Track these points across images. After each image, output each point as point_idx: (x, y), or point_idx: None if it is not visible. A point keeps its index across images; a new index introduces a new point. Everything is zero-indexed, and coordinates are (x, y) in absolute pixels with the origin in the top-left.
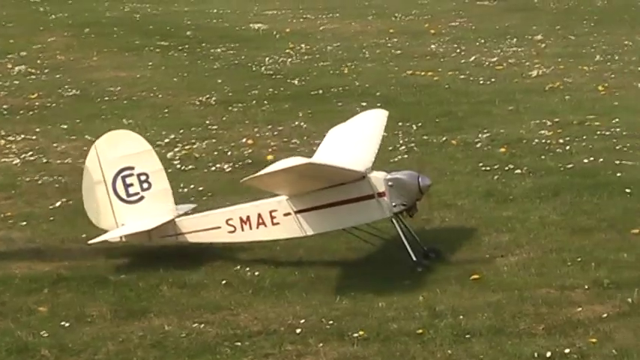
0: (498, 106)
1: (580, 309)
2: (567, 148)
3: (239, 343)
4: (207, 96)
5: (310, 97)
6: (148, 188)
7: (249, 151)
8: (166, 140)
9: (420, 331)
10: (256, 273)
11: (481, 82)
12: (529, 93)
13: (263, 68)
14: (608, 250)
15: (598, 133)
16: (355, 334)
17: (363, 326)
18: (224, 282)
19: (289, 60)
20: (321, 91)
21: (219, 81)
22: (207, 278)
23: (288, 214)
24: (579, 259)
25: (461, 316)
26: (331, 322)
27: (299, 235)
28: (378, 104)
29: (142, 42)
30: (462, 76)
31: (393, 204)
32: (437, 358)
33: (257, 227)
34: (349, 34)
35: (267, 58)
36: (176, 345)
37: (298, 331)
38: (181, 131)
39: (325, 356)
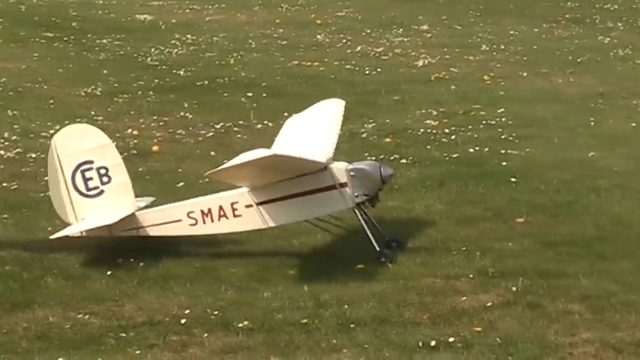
0: (384, 96)
1: (465, 298)
2: (453, 137)
3: (124, 334)
4: (93, 87)
5: (196, 88)
6: (108, 182)
7: (135, 141)
8: (51, 131)
9: (305, 320)
10: (141, 264)
11: (367, 72)
12: (415, 83)
13: (149, 59)
14: (493, 239)
15: (483, 122)
16: (240, 325)
17: (248, 316)
18: (109, 273)
19: (175, 51)
20: (206, 82)
21: (105, 72)
22: (92, 269)
23: (250, 205)
24: (464, 249)
25: (346, 306)
26: (216, 312)
27: (261, 226)
28: (264, 94)
29: (28, 33)
30: (348, 67)
31: (356, 194)
32: (321, 347)
33: (219, 219)
34: (235, 24)
35: (152, 49)
36: (60, 336)
37: (183, 321)
38: (67, 122)
39: (210, 346)
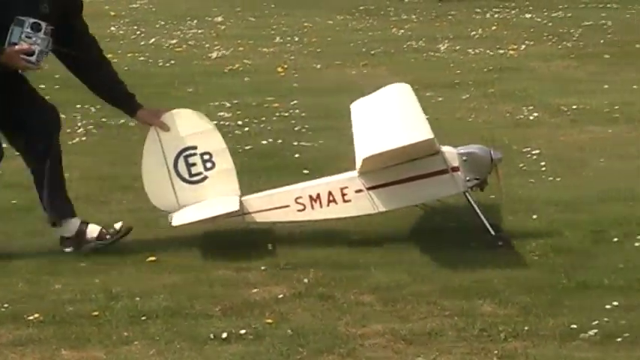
0: (178, 88)
1: (256, 290)
2: (246, 129)
3: None
4: None
5: None
6: (212, 168)
7: None
8: None
9: (96, 313)
10: None
11: (160, 64)
12: (209, 75)
13: None
14: (287, 231)
15: (277, 114)
16: (30, 317)
17: (39, 309)
18: None
19: None
20: None
21: None
22: None
23: (360, 190)
24: (256, 241)
25: (137, 298)
26: (6, 305)
27: (370, 212)
28: (57, 86)
29: None
30: (142, 59)
31: (467, 178)
32: (112, 340)
33: (327, 205)
34: None
35: None
36: None
37: None
38: None
39: (0, 340)
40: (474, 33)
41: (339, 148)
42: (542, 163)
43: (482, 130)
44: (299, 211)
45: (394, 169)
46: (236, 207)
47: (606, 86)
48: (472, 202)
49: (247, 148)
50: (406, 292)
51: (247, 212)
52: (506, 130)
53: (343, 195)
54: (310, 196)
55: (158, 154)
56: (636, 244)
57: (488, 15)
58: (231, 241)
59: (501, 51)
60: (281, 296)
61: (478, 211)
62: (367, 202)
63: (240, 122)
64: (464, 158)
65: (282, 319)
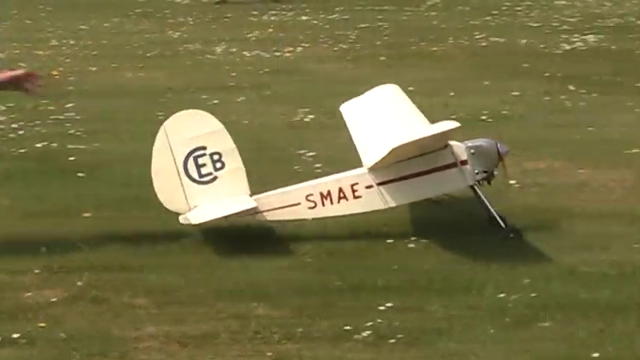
0: None
1: (29, 294)
2: (21, 132)
3: None
4: None
5: None
6: (221, 168)
7: None
8: None
9: None
10: None
11: None
12: None
13: None
14: (61, 234)
15: (52, 117)
16: None
17: None
18: None
19: None
20: None
21: None
22: None
23: (370, 186)
24: (30, 244)
25: None
26: None
27: (380, 207)
28: None
29: None
30: None
31: (476, 172)
32: None
33: (338, 202)
34: None
35: None
36: None
37: None
38: None
39: None
40: (250, 35)
41: (115, 151)
42: (318, 165)
43: (257, 132)
44: (310, 208)
45: (404, 163)
46: (253, 204)
47: None
48: (481, 195)
49: (22, 151)
50: (180, 294)
51: (258, 211)
52: (282, 133)
53: (354, 191)
54: (321, 193)
55: (167, 155)
56: (410, 246)
57: (264, 17)
58: (6, 243)
59: (277, 53)
60: (55, 300)
61: (488, 204)
62: (377, 197)
63: (14, 125)
64: (472, 151)
65: (56, 322)
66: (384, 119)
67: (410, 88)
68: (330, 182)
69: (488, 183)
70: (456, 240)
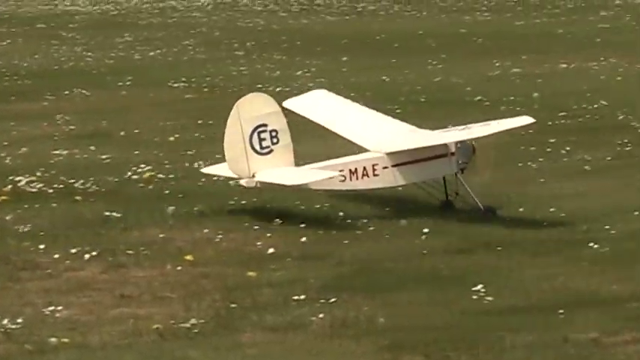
0: None
1: None
2: None
3: None
4: None
5: None
6: (277, 143)
7: None
8: None
9: None
10: None
11: None
12: None
13: None
14: None
15: None
16: None
17: None
18: None
19: None
20: None
21: None
22: None
23: (386, 167)
24: None
25: None
26: None
27: (392, 185)
28: None
29: None
30: None
31: (460, 162)
32: None
33: (362, 178)
34: None
35: None
36: None
37: None
38: None
39: None
40: None
41: None
42: None
43: None
44: (340, 181)
45: (415, 150)
46: (336, 173)
47: None
48: (462, 181)
49: None
50: None
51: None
52: None
53: (374, 170)
54: (350, 170)
55: (237, 129)
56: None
57: None
58: None
59: None
60: None
61: (468, 189)
62: (391, 176)
63: None
64: (458, 145)
65: None
66: (359, 114)
67: None
68: (357, 161)
69: (462, 172)
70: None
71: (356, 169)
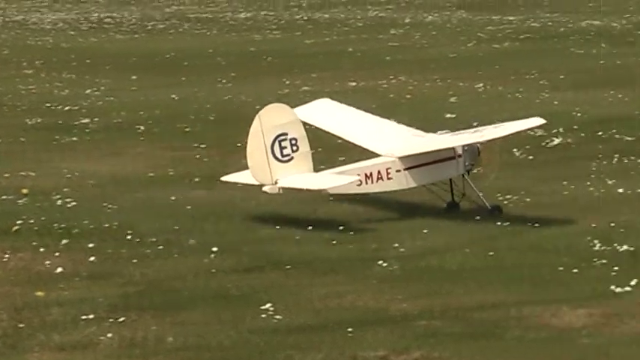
0: None
1: None
2: None
3: None
4: None
5: None
6: (297, 150)
7: None
8: None
9: None
10: None
11: None
12: None
13: None
14: None
15: None
16: None
17: None
18: None
19: None
20: None
21: None
22: None
23: (399, 170)
24: None
25: None
26: None
27: (404, 187)
28: None
29: None
30: None
31: (467, 163)
32: None
33: (377, 181)
34: None
35: None
36: None
37: None
38: None
39: None
40: None
41: None
42: None
43: None
44: (357, 185)
45: (426, 154)
46: (355, 177)
47: None
48: (469, 182)
49: None
50: None
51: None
52: None
53: (388, 174)
54: (365, 174)
55: (259, 138)
56: None
57: None
58: None
59: None
60: None
61: (475, 188)
62: (403, 179)
63: None
64: (465, 148)
65: None
66: (366, 120)
67: None
68: (371, 165)
69: (468, 173)
70: None
71: (371, 173)
